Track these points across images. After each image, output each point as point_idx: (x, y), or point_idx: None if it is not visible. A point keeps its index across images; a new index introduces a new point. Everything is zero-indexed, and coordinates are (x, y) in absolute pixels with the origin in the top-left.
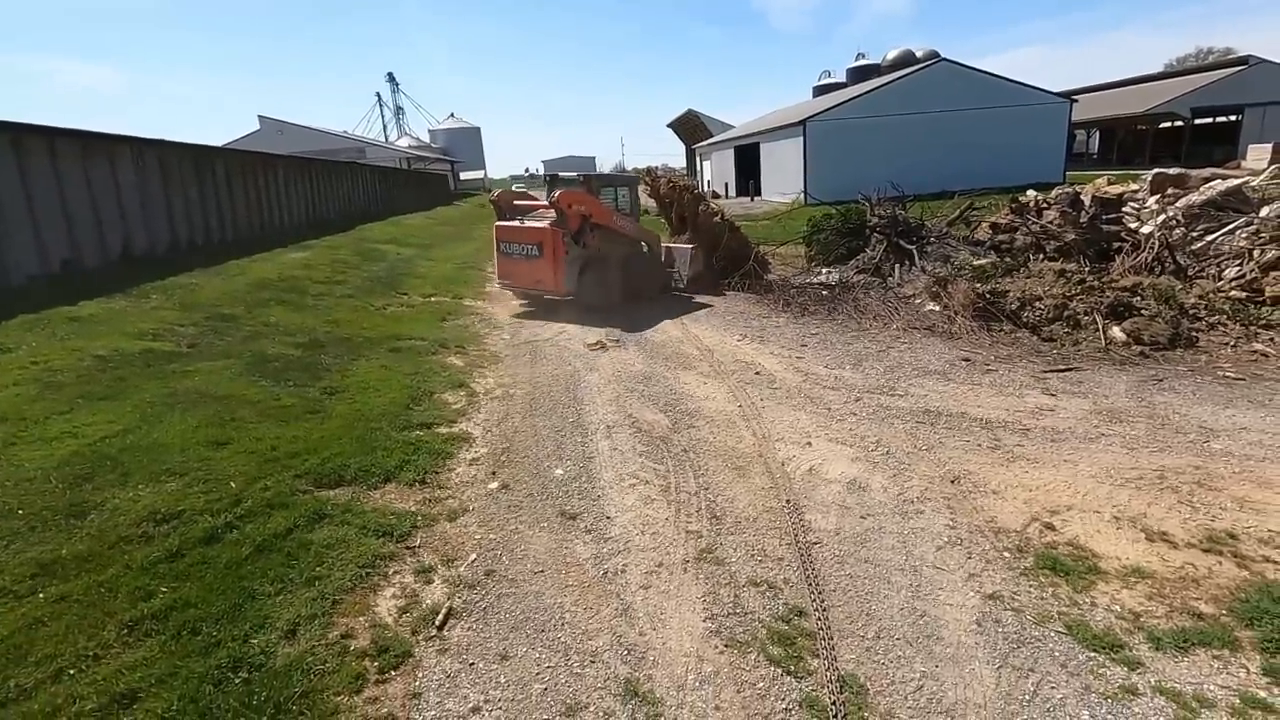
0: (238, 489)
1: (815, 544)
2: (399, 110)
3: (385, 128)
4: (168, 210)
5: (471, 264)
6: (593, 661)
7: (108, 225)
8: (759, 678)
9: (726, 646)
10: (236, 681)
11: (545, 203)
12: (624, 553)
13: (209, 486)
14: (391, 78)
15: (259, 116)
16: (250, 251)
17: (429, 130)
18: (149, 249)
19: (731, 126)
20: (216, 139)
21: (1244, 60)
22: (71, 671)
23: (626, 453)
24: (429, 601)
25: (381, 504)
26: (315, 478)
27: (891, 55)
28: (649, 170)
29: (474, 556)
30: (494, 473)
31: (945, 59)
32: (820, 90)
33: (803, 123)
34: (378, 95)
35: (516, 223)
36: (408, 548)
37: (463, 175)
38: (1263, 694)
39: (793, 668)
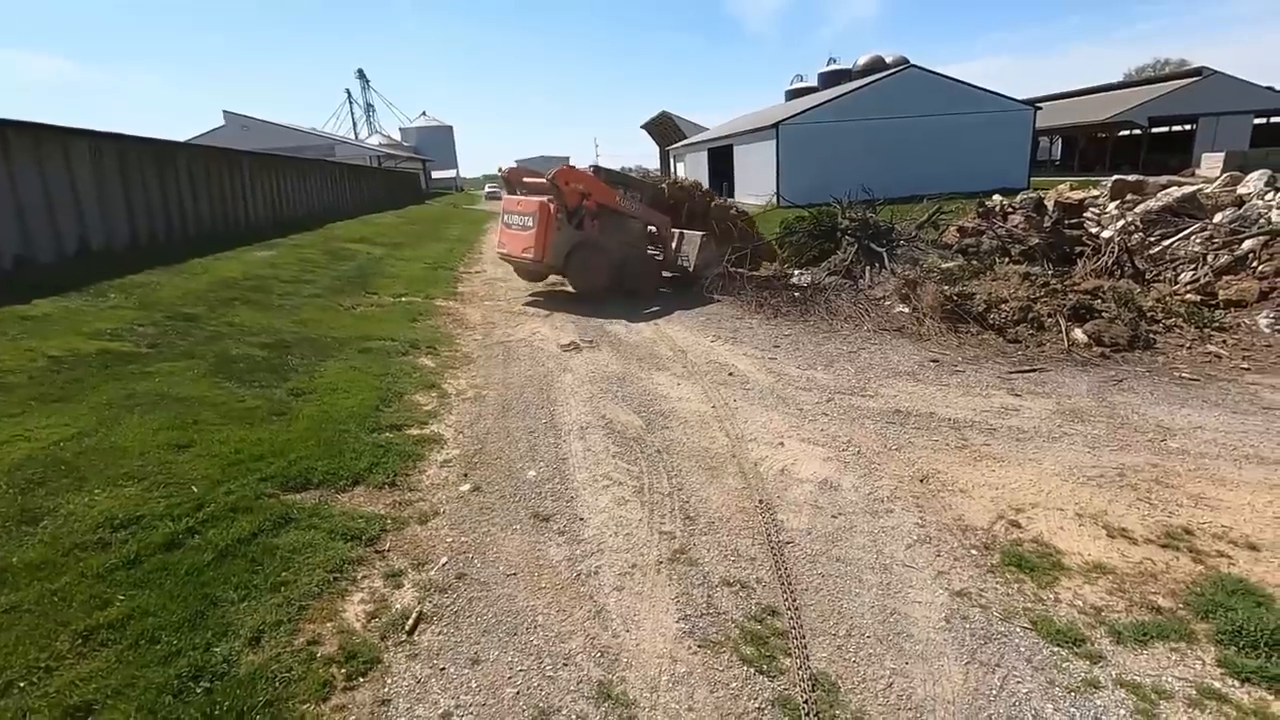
0: (200, 493)
1: (788, 543)
2: (369, 108)
3: (355, 125)
4: (127, 207)
5: (444, 264)
6: (566, 664)
7: (63, 221)
8: (732, 678)
9: (700, 647)
10: (198, 691)
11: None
12: (597, 554)
13: (169, 491)
14: (362, 74)
15: (224, 112)
16: (214, 250)
17: (400, 129)
18: (107, 246)
19: (705, 129)
20: (180, 135)
21: (1198, 72)
22: (22, 684)
23: (600, 454)
24: (399, 606)
25: (350, 507)
26: (281, 481)
27: (862, 61)
28: (647, 174)
29: (445, 560)
30: (466, 475)
31: (914, 65)
32: (792, 94)
33: (775, 126)
34: (347, 92)
35: (520, 196)
36: (377, 551)
37: (434, 174)
38: (1217, 685)
39: (765, 667)
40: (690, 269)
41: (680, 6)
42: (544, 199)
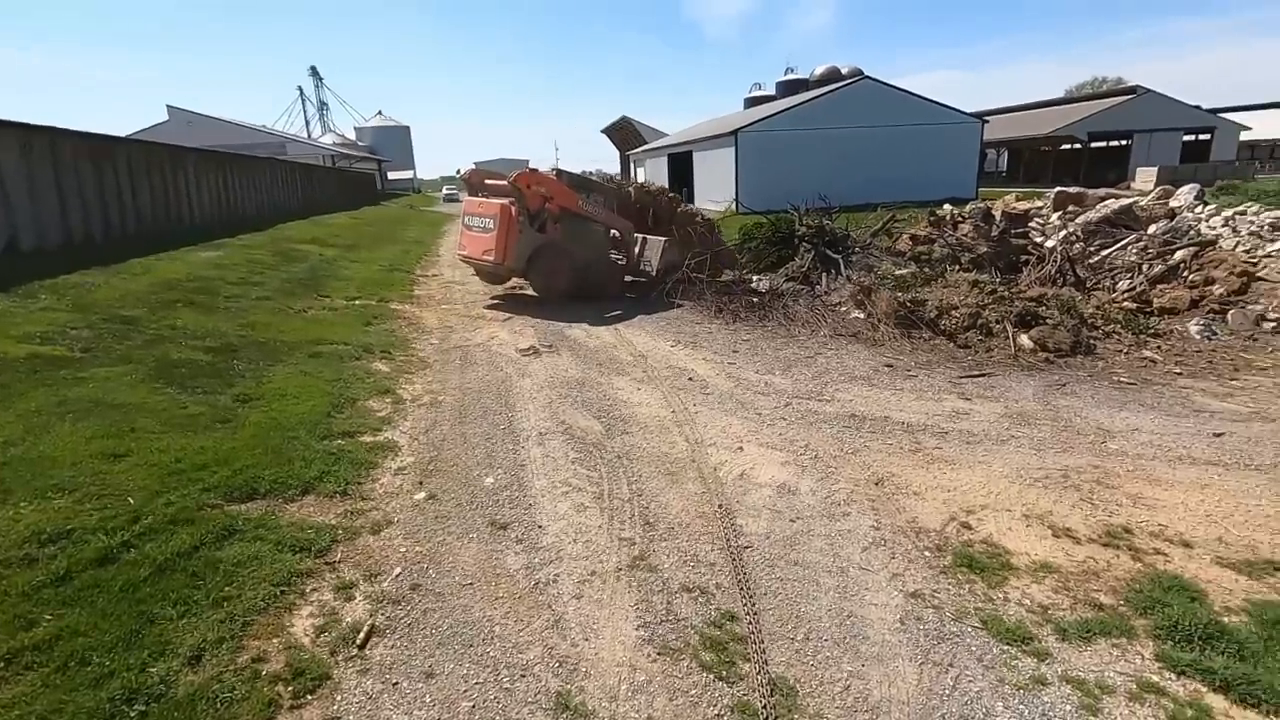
0: (137, 505)
1: (747, 548)
2: (323, 106)
3: (308, 123)
4: (61, 204)
5: (400, 266)
6: (523, 675)
7: None
8: (691, 685)
9: (659, 654)
10: (131, 715)
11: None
12: (556, 562)
13: (103, 503)
14: (315, 71)
15: (168, 107)
16: (156, 250)
17: (355, 128)
18: (38, 245)
19: (665, 134)
20: (120, 130)
21: (1133, 90)
22: None
23: (559, 460)
24: (349, 619)
25: (299, 517)
26: (225, 491)
27: (819, 71)
28: (610, 179)
29: (399, 570)
30: (421, 482)
31: (868, 77)
32: (751, 102)
33: (734, 133)
34: (299, 90)
35: (482, 199)
36: (327, 563)
37: (391, 175)
38: (1156, 678)
39: (725, 673)
40: (653, 273)
41: (640, 12)
42: (506, 201)
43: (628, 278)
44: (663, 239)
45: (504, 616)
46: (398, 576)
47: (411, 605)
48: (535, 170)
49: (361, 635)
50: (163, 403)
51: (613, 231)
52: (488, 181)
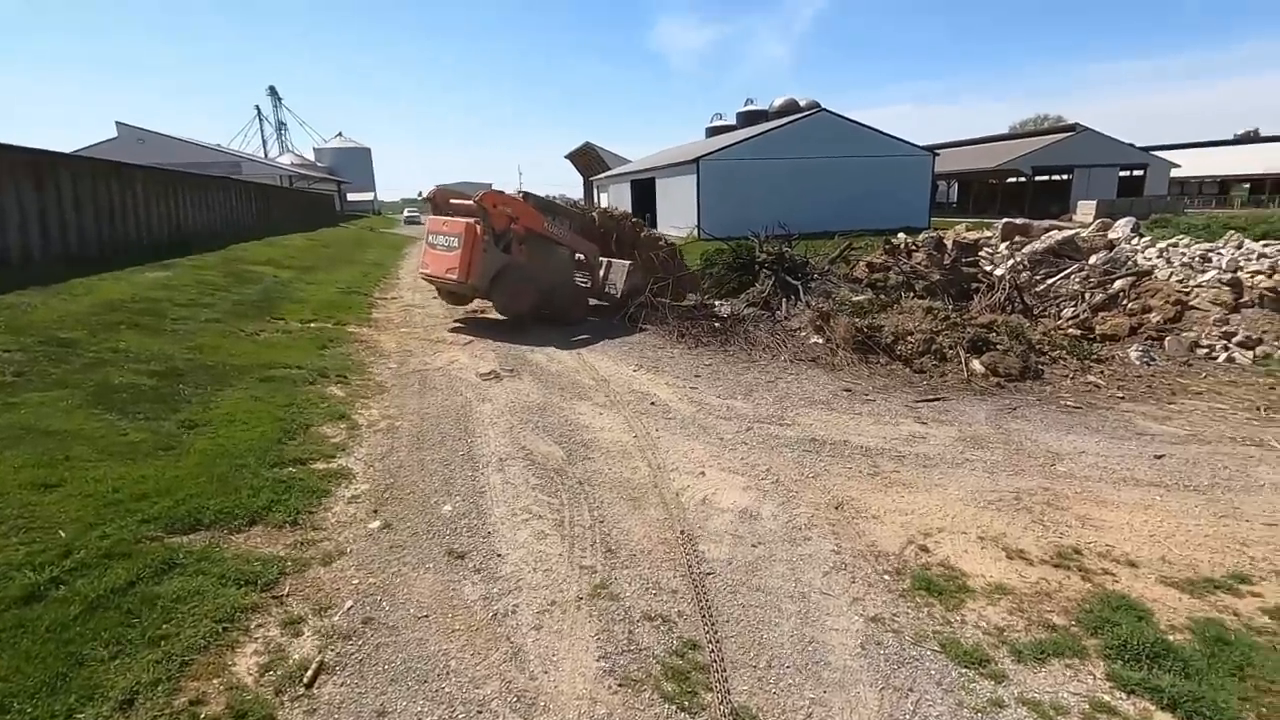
0: (68, 538)
1: (709, 574)
2: (281, 126)
3: (265, 143)
4: None
5: (358, 289)
6: (480, 712)
7: None
8: (653, 717)
9: (620, 686)
10: None
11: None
12: (515, 592)
13: (31, 536)
14: (274, 92)
15: (117, 123)
16: (100, 269)
17: (314, 149)
18: None
19: (628, 160)
20: (66, 146)
21: (1072, 128)
22: None
23: (519, 486)
24: (297, 656)
25: (245, 549)
26: (166, 522)
27: (778, 102)
28: (574, 204)
29: (350, 603)
30: (376, 511)
31: (825, 110)
32: (713, 131)
33: (696, 161)
34: (257, 109)
35: (446, 217)
36: (274, 597)
37: (350, 196)
38: (1107, 698)
39: (687, 703)
40: (618, 296)
41: (605, 40)
42: (471, 220)
43: (592, 301)
44: (627, 263)
45: (461, 650)
46: (349, 610)
47: (363, 640)
48: (501, 191)
49: (309, 673)
50: (101, 429)
51: (577, 255)
52: (453, 201)
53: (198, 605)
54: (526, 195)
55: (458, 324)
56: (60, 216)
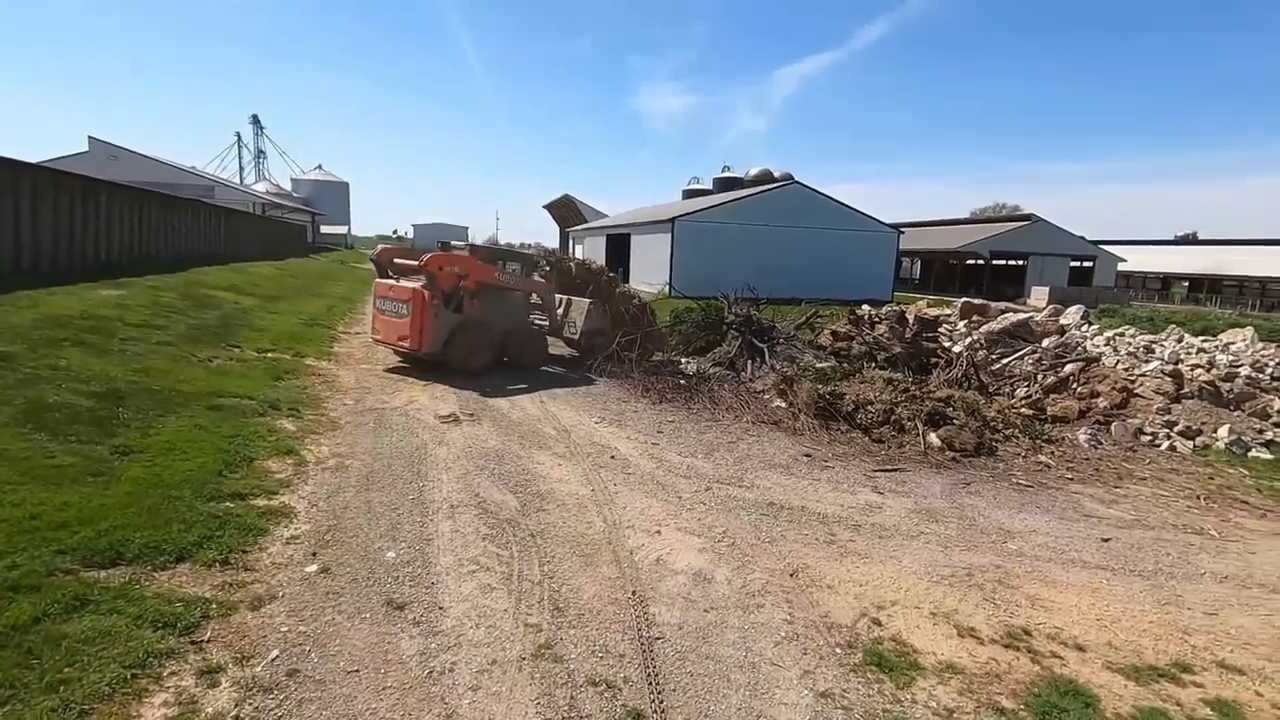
0: None
1: (658, 639)
2: (260, 154)
3: (242, 169)
4: None
5: (321, 321)
6: None
7: None
8: None
9: None
10: None
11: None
12: (455, 648)
13: None
14: (256, 120)
15: (89, 138)
16: (52, 283)
17: (292, 179)
18: None
19: (605, 214)
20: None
21: (1028, 217)
22: None
23: (469, 535)
24: (210, 710)
25: (168, 588)
26: (85, 554)
27: (754, 172)
28: (551, 252)
29: (276, 653)
30: (314, 554)
31: (798, 182)
32: (689, 193)
33: (672, 220)
34: (237, 135)
35: (393, 281)
36: (193, 642)
37: (324, 229)
38: None
39: None
40: (577, 337)
41: (586, 98)
42: (418, 285)
43: (558, 350)
44: (588, 301)
45: (390, 709)
46: (274, 660)
47: (285, 694)
48: (447, 249)
49: None
50: (26, 450)
51: (533, 297)
52: (397, 260)
53: (107, 648)
54: (475, 248)
55: (418, 365)
56: (15, 227)
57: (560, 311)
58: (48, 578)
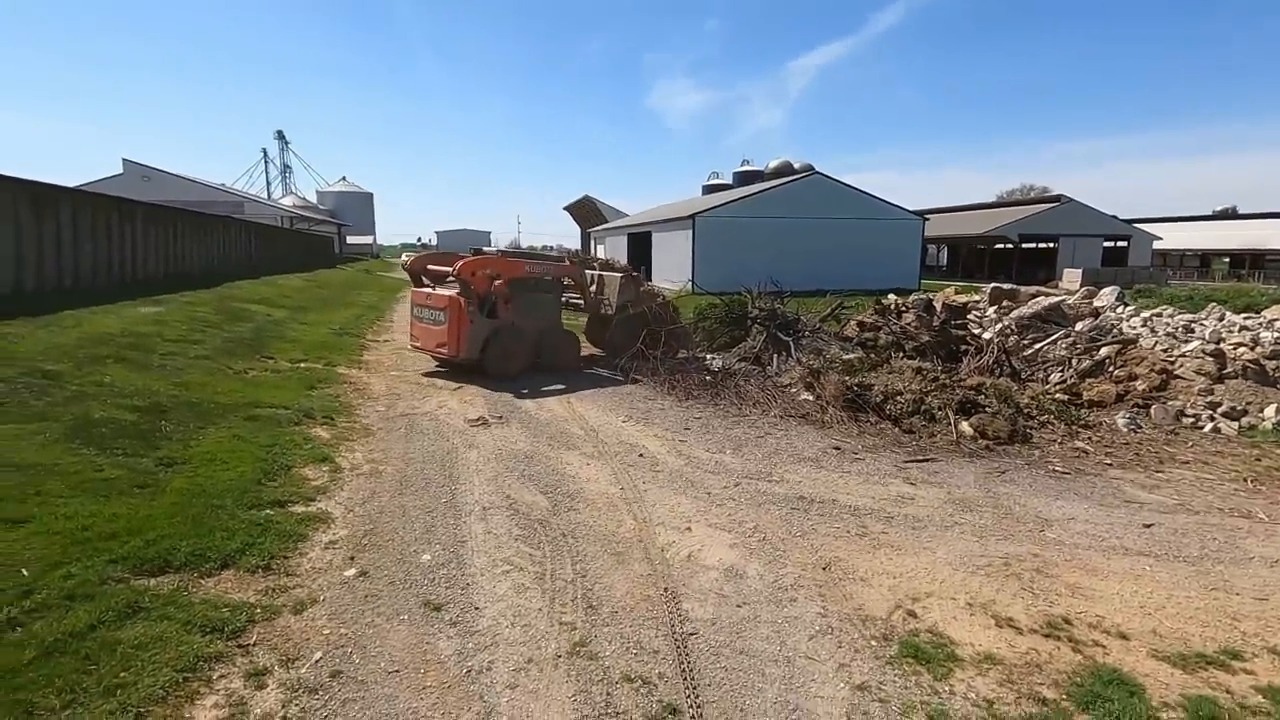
0: (30, 577)
1: (692, 635)
2: (286, 169)
3: (269, 185)
4: None
5: (351, 330)
6: None
7: None
8: None
9: None
10: None
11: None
12: (491, 648)
13: None
14: (281, 135)
15: (123, 160)
16: (93, 302)
17: (317, 191)
18: None
19: (626, 214)
20: (72, 181)
21: (1058, 199)
22: None
23: (502, 536)
24: (259, 711)
25: (214, 594)
26: (135, 563)
27: (773, 164)
28: (573, 254)
29: (319, 655)
30: (353, 558)
31: (819, 172)
32: (709, 189)
33: (692, 217)
34: (264, 151)
35: (429, 289)
36: (240, 646)
37: (350, 239)
38: None
39: None
40: (612, 311)
41: (603, 98)
42: (454, 293)
43: (586, 351)
44: (619, 275)
45: (430, 708)
46: (317, 662)
47: (330, 694)
48: (479, 254)
49: None
50: (76, 464)
51: (565, 280)
52: (430, 267)
53: (159, 652)
54: (504, 253)
55: (446, 368)
56: (59, 249)
57: (594, 289)
58: (101, 586)
